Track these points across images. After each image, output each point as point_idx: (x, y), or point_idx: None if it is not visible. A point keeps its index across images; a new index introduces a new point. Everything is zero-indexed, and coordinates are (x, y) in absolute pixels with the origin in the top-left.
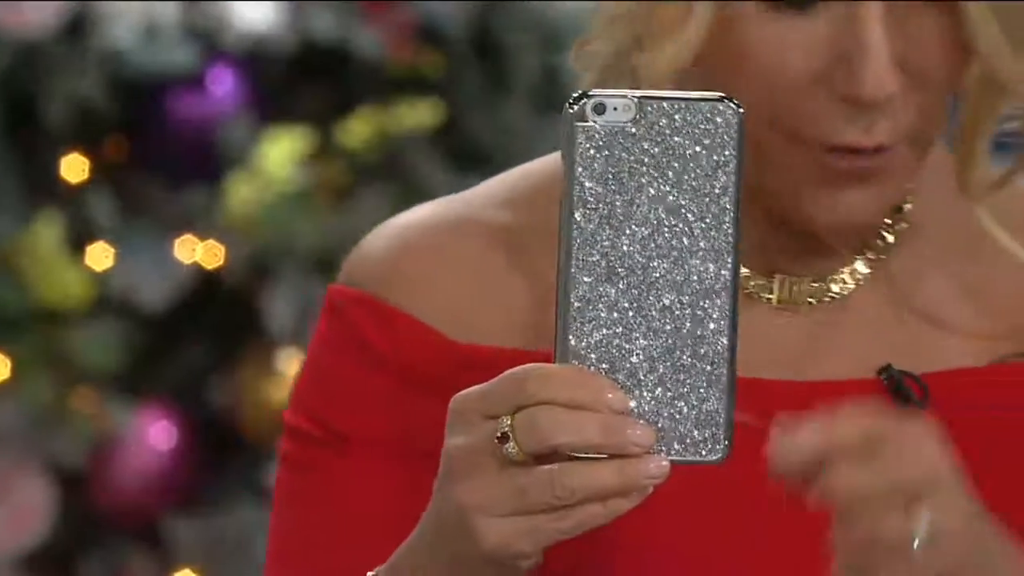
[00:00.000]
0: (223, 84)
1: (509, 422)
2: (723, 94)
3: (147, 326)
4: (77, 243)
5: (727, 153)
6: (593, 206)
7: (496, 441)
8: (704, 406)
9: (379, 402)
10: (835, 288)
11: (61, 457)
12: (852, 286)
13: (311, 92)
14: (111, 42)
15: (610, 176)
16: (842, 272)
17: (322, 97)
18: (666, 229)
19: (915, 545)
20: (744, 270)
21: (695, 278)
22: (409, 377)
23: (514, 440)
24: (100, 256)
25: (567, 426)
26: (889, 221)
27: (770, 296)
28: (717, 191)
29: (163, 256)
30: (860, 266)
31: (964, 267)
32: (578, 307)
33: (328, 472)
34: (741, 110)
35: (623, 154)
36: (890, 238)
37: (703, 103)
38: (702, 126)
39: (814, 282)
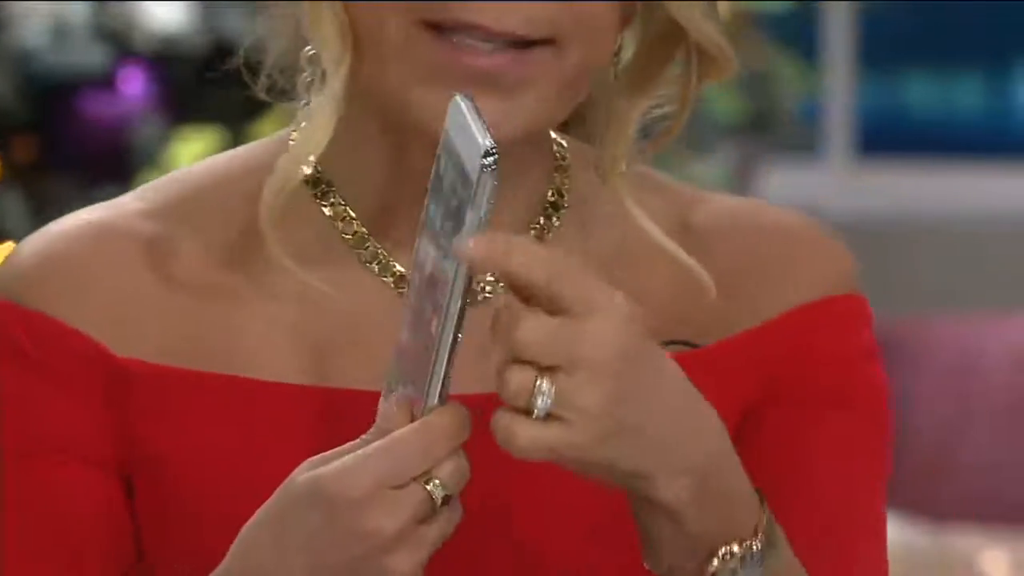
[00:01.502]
0: (134, 84)
1: (440, 484)
2: (489, 146)
3: None
4: None
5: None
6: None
7: (433, 506)
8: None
9: (40, 411)
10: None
11: None
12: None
13: (222, 93)
14: (21, 42)
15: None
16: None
17: (233, 98)
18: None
19: (535, 411)
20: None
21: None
22: (62, 382)
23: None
24: None
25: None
26: (540, 222)
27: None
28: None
29: None
30: None
31: (619, 267)
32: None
33: None
34: (487, 161)
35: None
36: (555, 222)
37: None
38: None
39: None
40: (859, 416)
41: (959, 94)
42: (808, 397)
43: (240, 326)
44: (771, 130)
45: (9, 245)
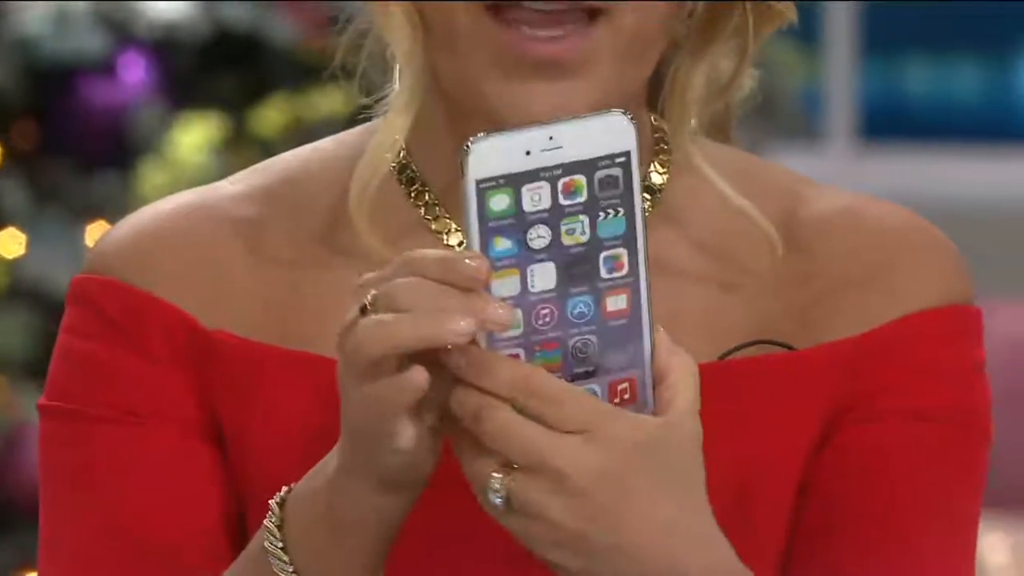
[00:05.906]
0: (135, 71)
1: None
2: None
3: (59, 313)
4: None
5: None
6: None
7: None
8: None
9: (132, 379)
10: None
11: None
12: None
13: (224, 79)
14: (22, 28)
15: None
16: None
17: (235, 84)
18: None
19: (496, 503)
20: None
21: None
22: (158, 355)
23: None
24: (11, 243)
25: (421, 290)
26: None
27: None
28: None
29: (75, 243)
30: None
31: (716, 255)
32: None
33: (92, 442)
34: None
35: None
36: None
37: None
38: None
39: None
40: (956, 431)
41: (959, 79)
42: (903, 410)
43: (327, 307)
44: (772, 116)
45: (12, 231)
